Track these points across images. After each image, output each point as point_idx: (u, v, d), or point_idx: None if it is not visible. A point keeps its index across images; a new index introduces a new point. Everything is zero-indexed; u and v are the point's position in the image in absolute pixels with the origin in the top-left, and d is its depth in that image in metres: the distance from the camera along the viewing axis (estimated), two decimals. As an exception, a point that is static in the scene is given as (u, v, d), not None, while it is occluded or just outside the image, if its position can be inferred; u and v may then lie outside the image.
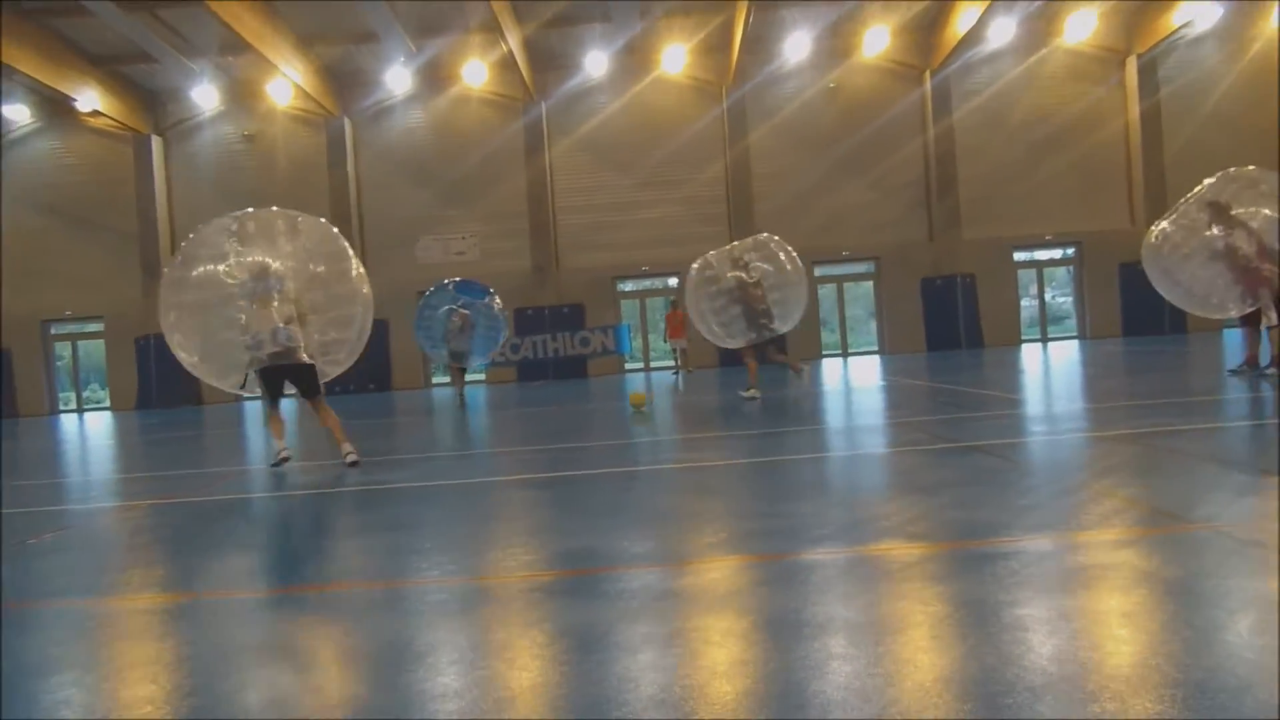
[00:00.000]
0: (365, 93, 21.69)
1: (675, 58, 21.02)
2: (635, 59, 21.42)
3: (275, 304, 6.09)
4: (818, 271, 22.33)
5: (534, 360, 20.84)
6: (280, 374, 6.23)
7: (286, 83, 20.09)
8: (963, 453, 5.17)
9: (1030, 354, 16.92)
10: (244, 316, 6.17)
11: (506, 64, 20.34)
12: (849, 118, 21.87)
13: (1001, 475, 4.45)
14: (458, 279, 14.66)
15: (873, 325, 23.35)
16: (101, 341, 22.96)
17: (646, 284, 23.06)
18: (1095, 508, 3.48)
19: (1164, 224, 9.13)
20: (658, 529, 3.71)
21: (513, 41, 19.17)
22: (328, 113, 21.52)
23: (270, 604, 3.05)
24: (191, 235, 6.77)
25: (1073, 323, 22.97)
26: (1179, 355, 13.64)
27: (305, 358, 6.20)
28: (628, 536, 3.55)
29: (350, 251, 6.85)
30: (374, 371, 21.45)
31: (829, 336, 23.06)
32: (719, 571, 2.94)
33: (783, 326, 10.00)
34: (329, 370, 6.61)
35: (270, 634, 2.66)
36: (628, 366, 22.56)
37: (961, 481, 4.21)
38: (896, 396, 9.97)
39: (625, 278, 22.62)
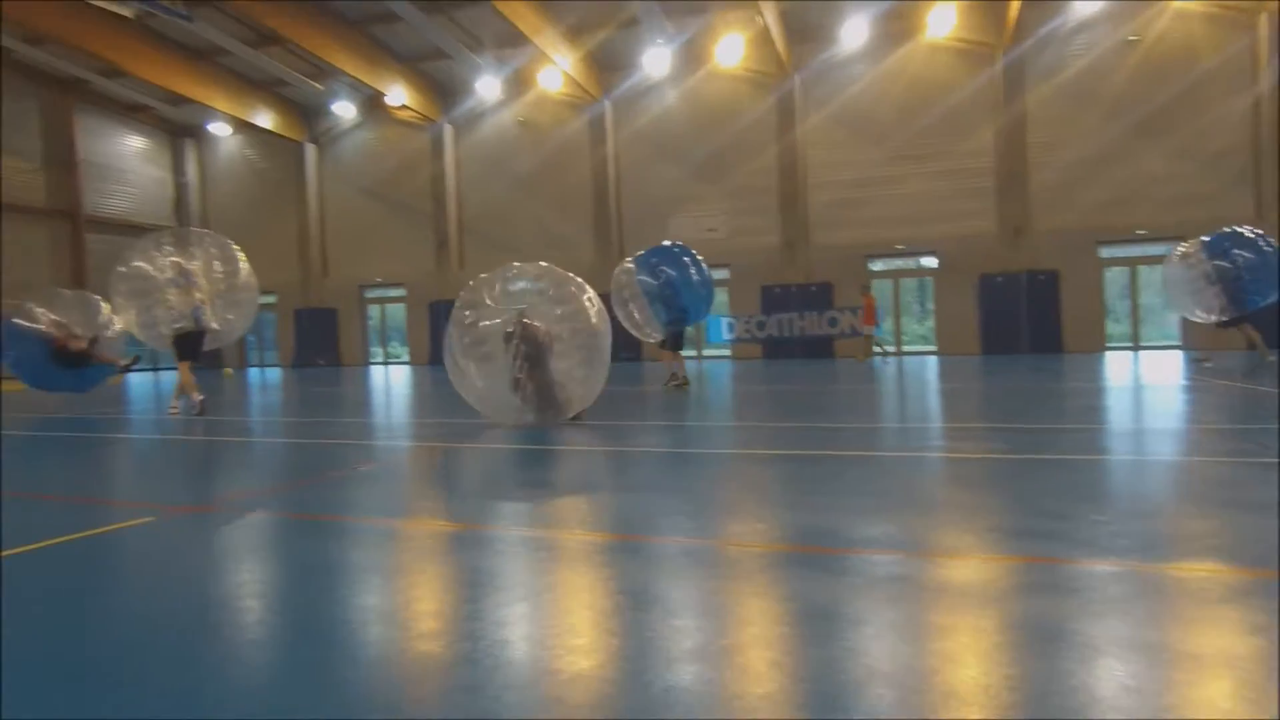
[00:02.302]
0: (624, 75, 22.66)
1: (942, 18, 19.48)
2: (898, 24, 20.20)
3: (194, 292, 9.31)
4: (1104, 253, 19.78)
5: (779, 338, 20.71)
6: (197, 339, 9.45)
7: (556, 71, 21.60)
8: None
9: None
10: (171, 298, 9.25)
11: (761, 39, 20.17)
12: (1152, 76, 18.88)
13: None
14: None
15: (1172, 316, 20.17)
16: (403, 305, 26.61)
17: (898, 263, 21.79)
18: None
19: None
20: (912, 516, 3.54)
21: (769, 16, 18.95)
22: (590, 96, 22.83)
23: (527, 541, 3.35)
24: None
25: None
26: None
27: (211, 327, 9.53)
28: (874, 520, 3.43)
29: (241, 257, 10.01)
30: (626, 342, 22.63)
31: (1115, 327, 20.29)
32: (980, 568, 2.74)
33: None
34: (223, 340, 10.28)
35: (517, 565, 2.92)
36: (876, 350, 21.60)
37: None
38: (1207, 398, 8.55)
39: (877, 256, 21.58)
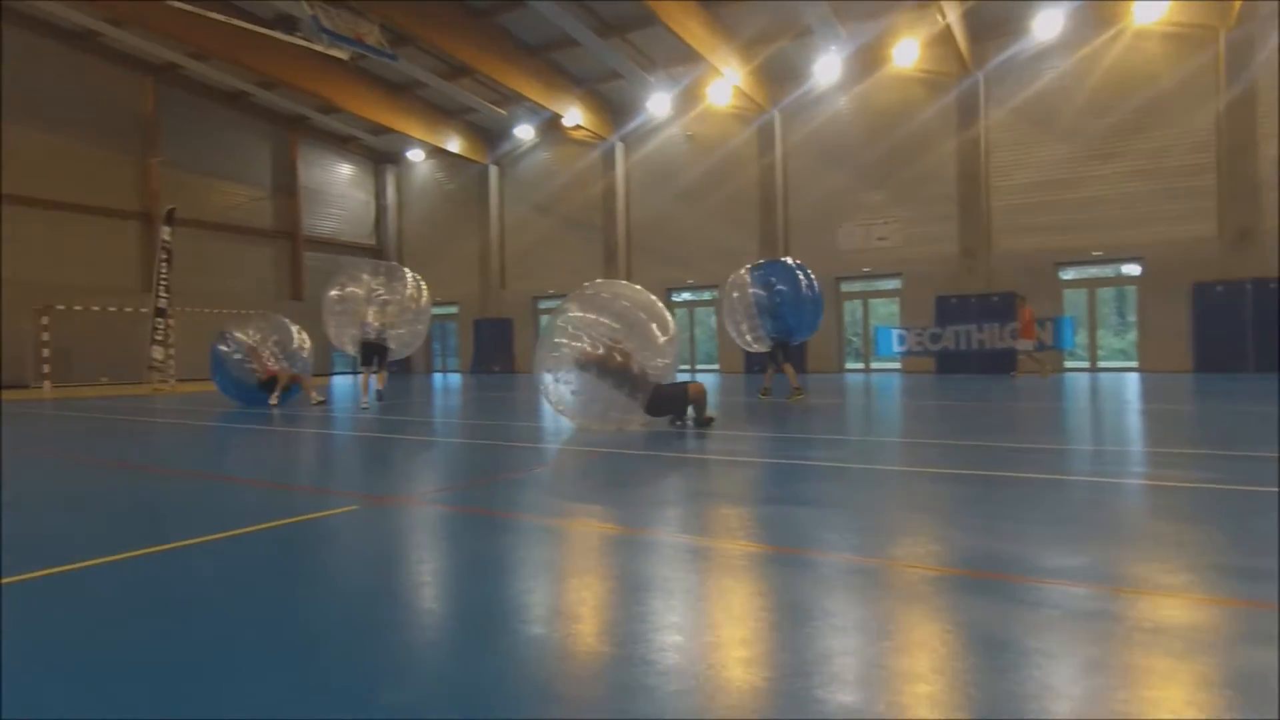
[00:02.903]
0: (793, 84, 22.39)
1: (1152, 4, 17.68)
2: (1097, 11, 18.57)
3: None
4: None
5: (955, 351, 19.59)
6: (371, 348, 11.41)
7: (725, 84, 21.74)
8: None
9: None
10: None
11: (941, 38, 19.25)
12: None
13: None
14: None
15: None
16: (572, 317, 27.72)
17: (1093, 271, 19.91)
18: None
19: None
20: (1110, 547, 3.26)
21: (952, 14, 18.07)
22: (759, 107, 22.76)
23: (681, 548, 3.40)
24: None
25: None
26: None
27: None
28: (1065, 548, 3.19)
29: (424, 286, 11.94)
30: (791, 354, 22.32)
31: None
32: (1189, 609, 2.48)
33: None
34: (401, 353, 12.07)
35: (682, 571, 2.97)
36: (1067, 365, 19.89)
37: None
38: None
39: (1069, 264, 19.86)
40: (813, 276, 11.27)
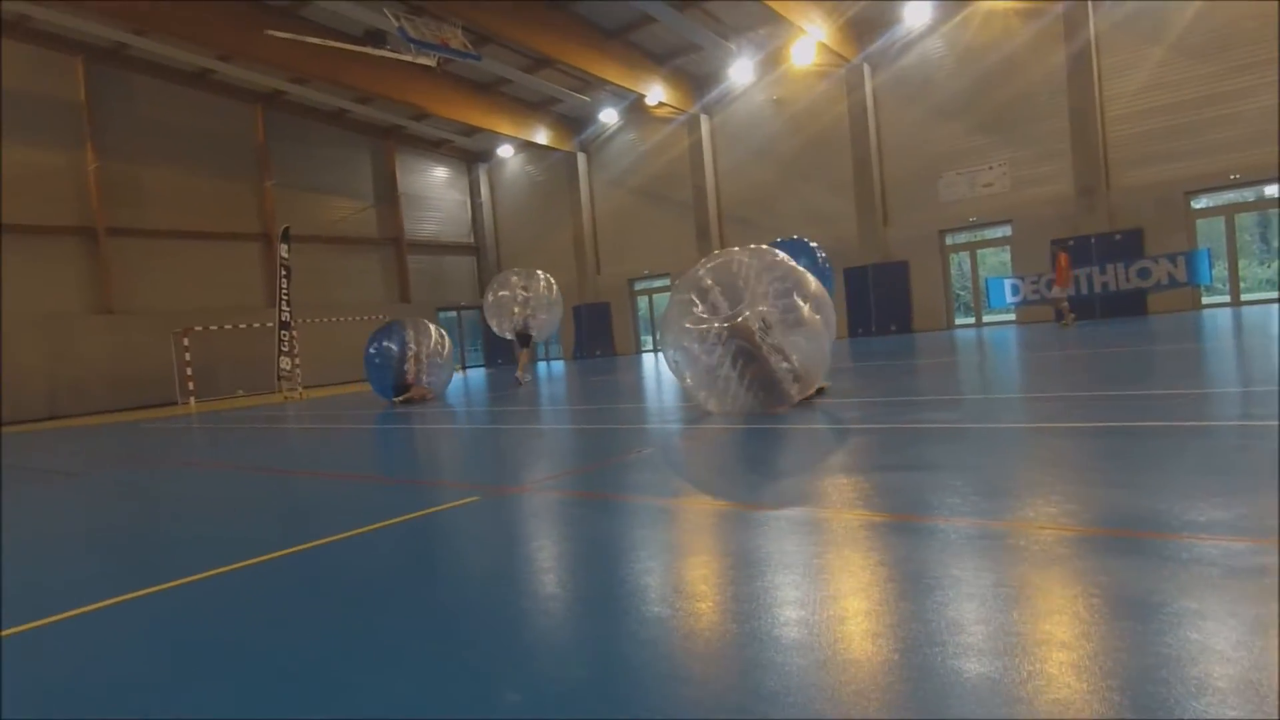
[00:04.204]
0: (880, 32, 21.46)
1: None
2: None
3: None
4: None
5: (1075, 297, 18.44)
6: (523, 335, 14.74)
7: (809, 42, 21.06)
8: None
9: None
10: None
11: (1040, -37, 17.97)
12: None
13: None
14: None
15: None
16: (669, 295, 27.74)
17: (1230, 197, 18.11)
18: None
19: None
20: (1258, 496, 3.01)
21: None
22: (844, 61, 21.92)
23: (795, 520, 3.36)
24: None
25: None
26: None
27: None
28: (1218, 502, 2.96)
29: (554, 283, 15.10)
30: (896, 314, 21.63)
31: None
32: (1350, 556, 2.26)
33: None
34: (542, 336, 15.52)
35: (790, 545, 2.94)
36: (1205, 301, 18.34)
37: None
38: None
39: (1201, 191, 18.21)
40: (820, 254, 11.39)
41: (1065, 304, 16.68)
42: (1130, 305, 18.04)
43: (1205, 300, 18.35)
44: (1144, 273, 17.63)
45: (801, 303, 6.98)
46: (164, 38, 19.99)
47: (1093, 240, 18.65)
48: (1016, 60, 19.79)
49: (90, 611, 2.93)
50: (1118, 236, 18.37)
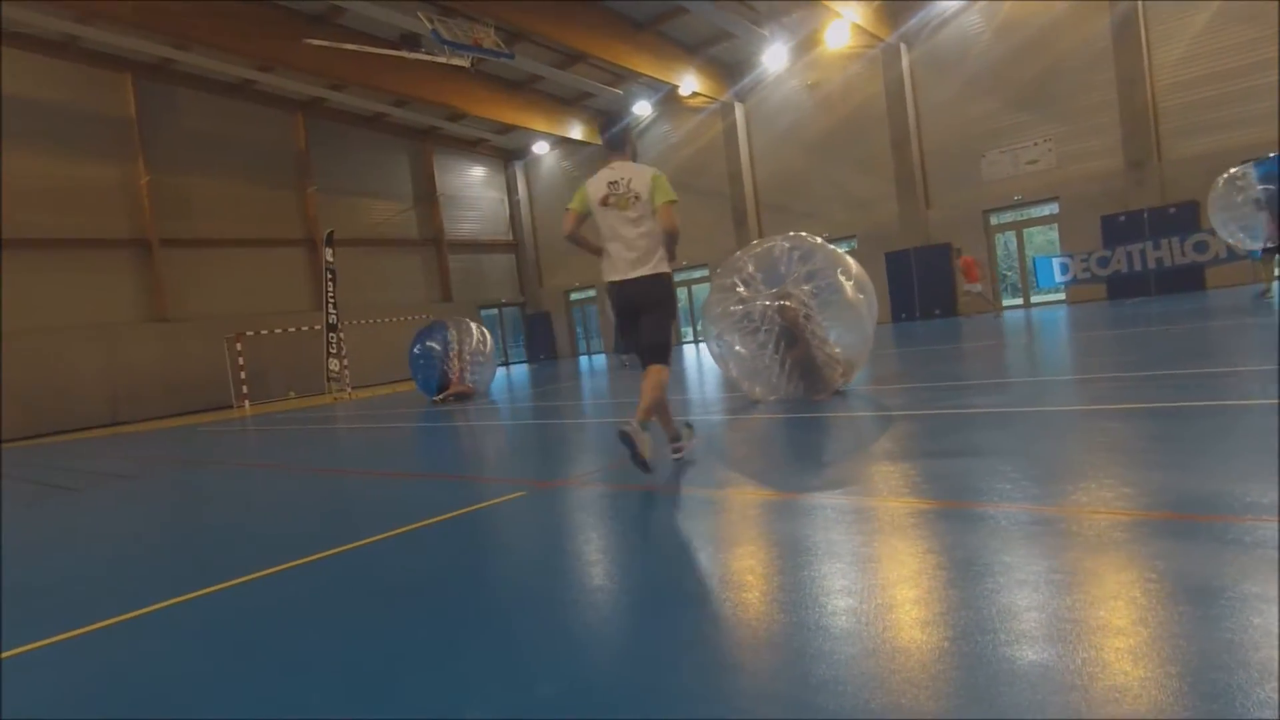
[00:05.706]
0: (918, 10, 21.03)
1: None
2: None
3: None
4: None
5: (1127, 274, 17.92)
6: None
7: (842, 23, 20.74)
8: None
9: None
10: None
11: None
12: None
13: None
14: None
15: None
16: (707, 286, 27.61)
17: (1296, 163, 17.38)
18: None
19: None
20: (1317, 475, 2.90)
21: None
22: (879, 40, 21.54)
23: (851, 510, 3.34)
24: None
25: None
26: None
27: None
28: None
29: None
30: (939, 298, 21.26)
31: None
32: None
33: None
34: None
35: (837, 534, 2.92)
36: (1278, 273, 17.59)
37: None
38: None
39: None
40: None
41: (979, 296, 18.13)
42: (1187, 280, 17.45)
43: None
44: (1200, 246, 17.02)
45: (845, 280, 6.94)
46: (207, 50, 20.50)
47: (1145, 215, 18.07)
48: (1058, 31, 19.24)
49: (155, 611, 3.05)
50: (1171, 210, 17.76)
